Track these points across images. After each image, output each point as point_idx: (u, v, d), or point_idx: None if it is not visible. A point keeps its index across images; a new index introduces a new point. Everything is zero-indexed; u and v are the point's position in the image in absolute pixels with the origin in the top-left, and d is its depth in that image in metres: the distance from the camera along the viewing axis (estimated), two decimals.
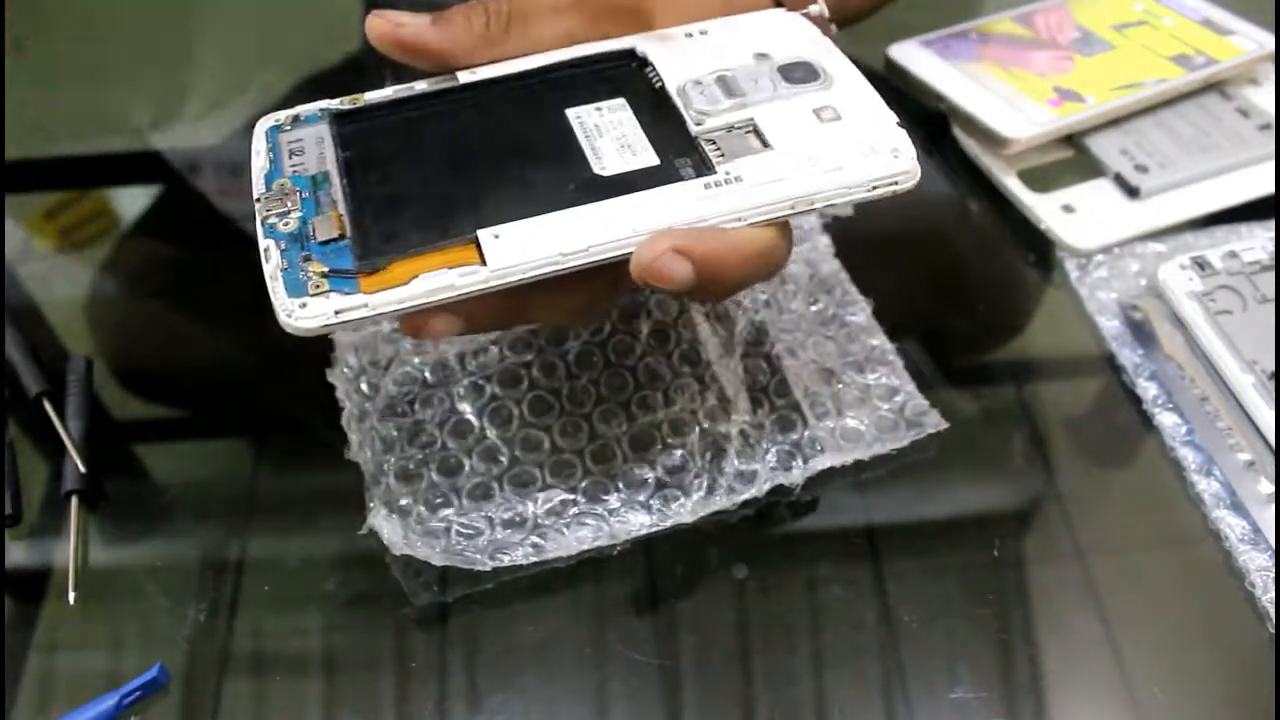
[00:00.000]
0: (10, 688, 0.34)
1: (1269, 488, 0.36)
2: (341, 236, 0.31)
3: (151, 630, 0.35)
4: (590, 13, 0.36)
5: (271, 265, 0.30)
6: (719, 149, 0.33)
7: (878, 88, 0.35)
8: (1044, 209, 0.46)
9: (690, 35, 0.37)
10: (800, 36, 0.37)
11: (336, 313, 0.29)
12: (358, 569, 0.36)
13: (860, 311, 0.42)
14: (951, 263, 0.47)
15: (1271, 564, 0.34)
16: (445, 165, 0.33)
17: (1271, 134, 0.48)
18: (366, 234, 0.31)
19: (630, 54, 0.36)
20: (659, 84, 0.35)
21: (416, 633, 0.34)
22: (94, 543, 0.37)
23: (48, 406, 0.39)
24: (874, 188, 0.32)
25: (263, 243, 0.31)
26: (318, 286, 0.30)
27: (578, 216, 0.31)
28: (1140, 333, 0.41)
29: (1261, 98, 0.50)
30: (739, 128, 0.34)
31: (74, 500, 0.37)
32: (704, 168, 0.33)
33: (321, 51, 0.58)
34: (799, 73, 0.35)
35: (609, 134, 0.34)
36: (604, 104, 0.35)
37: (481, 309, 0.31)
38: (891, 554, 0.36)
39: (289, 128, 0.34)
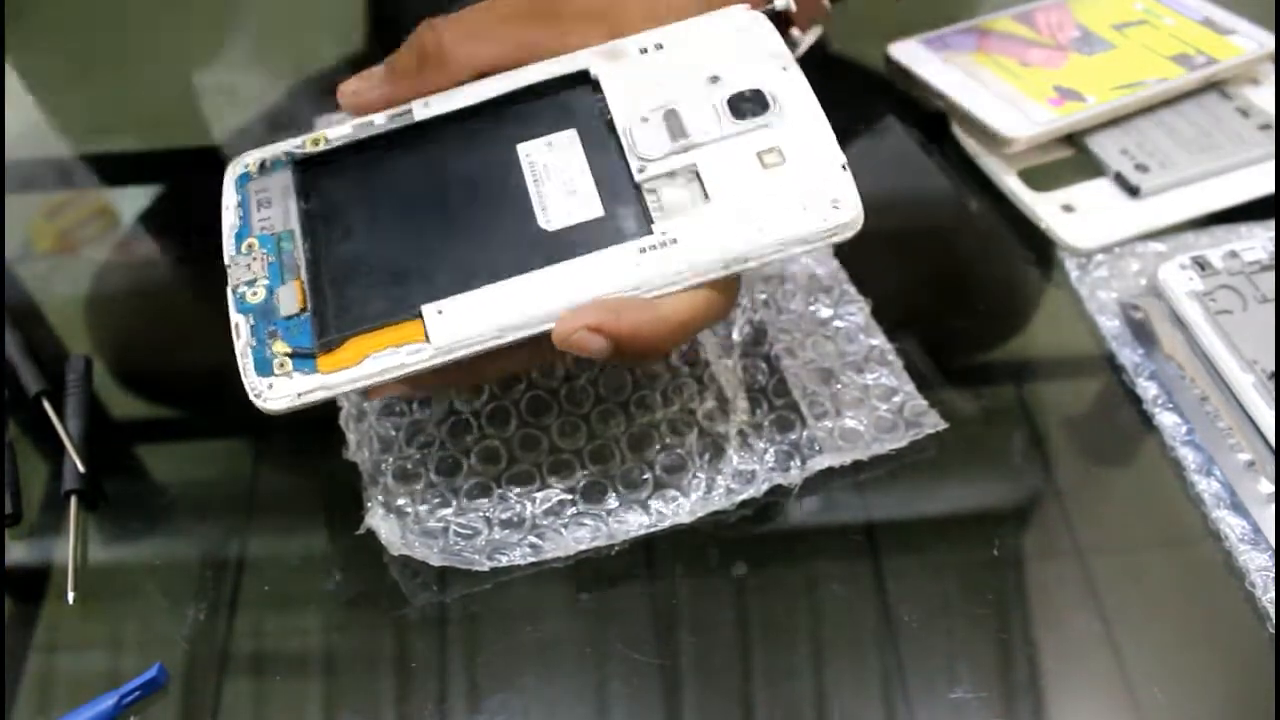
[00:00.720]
0: (10, 688, 0.34)
1: (1269, 488, 0.36)
2: (303, 310, 0.32)
3: (151, 630, 0.35)
4: (547, 19, 0.36)
5: (241, 343, 0.32)
6: (659, 201, 0.33)
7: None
8: (1044, 208, 0.46)
9: (645, 51, 0.36)
10: (761, 45, 0.35)
11: (299, 394, 0.31)
12: (357, 569, 0.36)
13: (859, 311, 0.42)
14: (951, 263, 0.47)
15: (1271, 564, 0.34)
16: (398, 218, 0.34)
17: (1271, 134, 0.48)
18: (324, 307, 0.32)
19: (584, 76, 0.35)
20: (608, 116, 0.35)
21: (416, 633, 0.34)
22: (94, 543, 0.37)
23: (47, 406, 0.39)
24: (810, 243, 0.32)
25: (233, 318, 0.33)
26: (282, 366, 0.32)
27: (518, 287, 0.32)
28: (1140, 332, 0.41)
29: (1261, 97, 0.50)
30: (681, 174, 0.33)
31: (74, 500, 0.37)
32: (643, 222, 0.33)
33: (321, 53, 0.58)
34: (749, 104, 0.34)
35: (556, 177, 0.34)
36: (554, 137, 0.35)
37: (427, 376, 0.32)
38: (891, 553, 0.36)
39: (257, 175, 0.35)
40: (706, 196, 0.33)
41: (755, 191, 0.33)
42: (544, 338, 0.32)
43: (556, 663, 0.33)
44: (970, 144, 0.49)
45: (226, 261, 0.34)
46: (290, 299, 0.32)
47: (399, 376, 0.31)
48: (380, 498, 0.37)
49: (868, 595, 0.35)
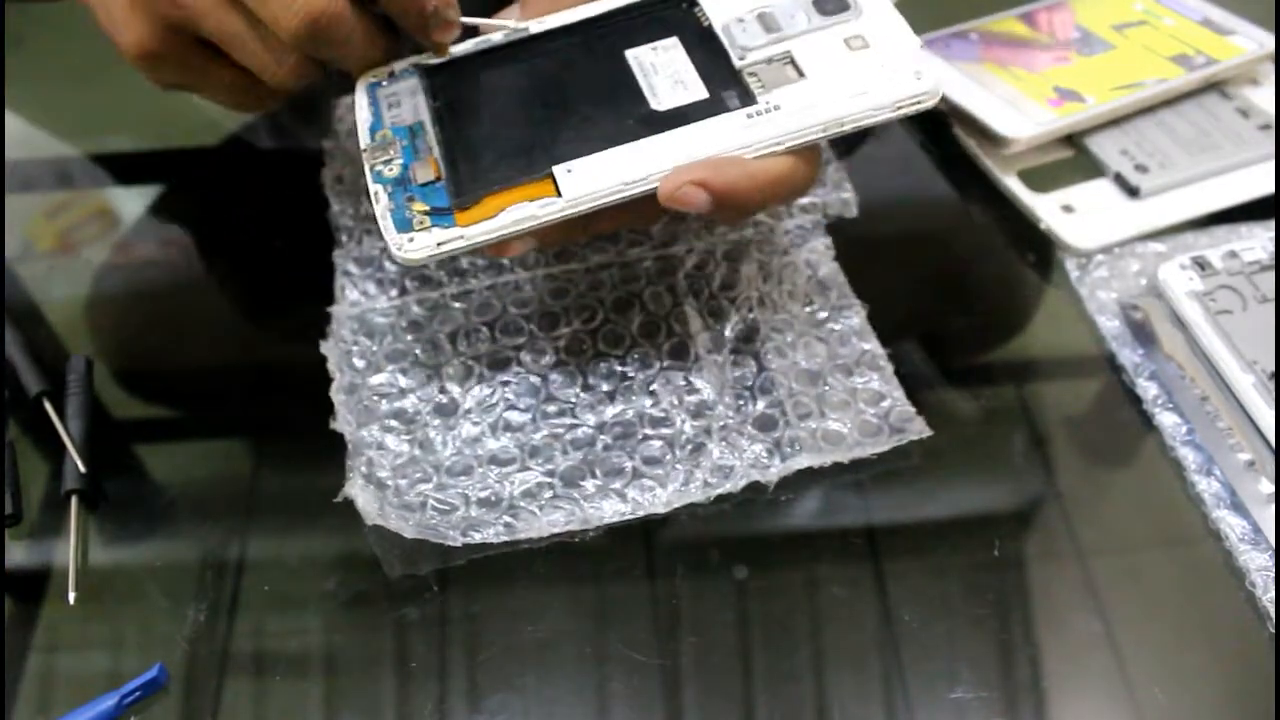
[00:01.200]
0: (10, 688, 0.34)
1: (1269, 488, 0.36)
2: (438, 179, 0.36)
3: (151, 630, 0.35)
4: None
5: (381, 207, 0.36)
6: (760, 80, 0.37)
7: None
8: (1044, 209, 0.46)
9: None
10: None
11: (439, 244, 0.35)
12: (358, 569, 0.36)
13: (855, 315, 0.42)
14: (951, 263, 0.47)
15: (1271, 564, 0.34)
16: (522, 109, 0.38)
17: (1271, 134, 0.48)
18: (459, 175, 0.36)
19: None
20: (706, 23, 0.39)
21: (416, 632, 0.34)
22: (94, 543, 0.37)
23: (48, 406, 0.39)
24: (899, 108, 0.36)
25: (371, 187, 0.36)
26: (421, 223, 0.35)
27: (637, 150, 0.35)
28: (1140, 333, 0.41)
29: (1261, 98, 0.50)
30: (777, 60, 0.37)
31: (74, 500, 0.37)
32: (747, 98, 0.36)
33: None
34: (831, 5, 0.39)
35: (663, 71, 0.38)
36: (659, 43, 0.39)
37: (553, 230, 0.35)
38: (892, 554, 0.36)
39: (386, 83, 0.39)
40: (802, 74, 0.37)
41: (845, 68, 0.37)
42: (654, 198, 0.35)
43: (556, 663, 0.34)
44: (970, 144, 0.49)
45: (362, 147, 0.37)
46: (425, 170, 0.36)
47: (531, 228, 0.35)
48: (362, 469, 0.37)
49: (868, 596, 0.35)
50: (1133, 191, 0.47)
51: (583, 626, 0.34)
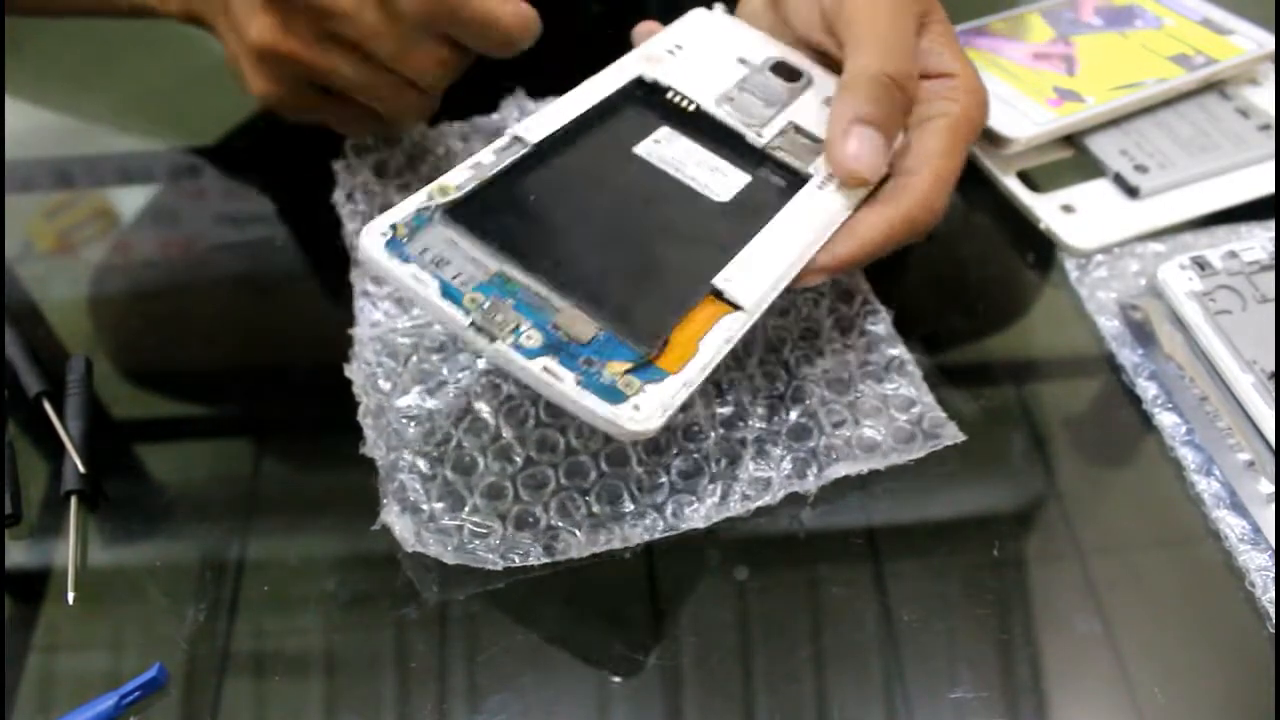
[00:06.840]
0: (10, 688, 0.34)
1: (1269, 488, 0.36)
2: (600, 331, 0.31)
3: (151, 630, 0.35)
4: None
5: (568, 383, 0.30)
6: (787, 154, 0.38)
7: None
8: (1044, 209, 0.46)
9: (672, 52, 0.40)
10: (737, 32, 0.42)
11: (671, 398, 0.30)
12: (358, 569, 0.36)
13: (880, 321, 0.41)
14: (951, 263, 0.47)
15: (1271, 564, 0.34)
16: (593, 230, 0.34)
17: (1271, 134, 0.48)
18: (613, 320, 0.31)
19: (640, 81, 0.39)
20: (691, 106, 0.39)
21: (416, 633, 0.34)
22: (94, 543, 0.37)
23: (47, 406, 0.39)
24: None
25: (534, 364, 0.30)
26: (629, 385, 0.30)
27: (763, 245, 0.34)
28: (1140, 333, 0.41)
29: (1261, 98, 0.50)
30: (788, 130, 0.38)
31: (74, 500, 0.37)
32: (791, 172, 0.37)
33: None
34: (784, 70, 0.40)
35: (689, 161, 0.37)
36: (656, 133, 0.38)
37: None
38: (892, 554, 0.36)
39: (406, 239, 0.32)
40: (817, 140, 0.38)
41: None
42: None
43: (556, 663, 0.33)
44: None
45: (460, 324, 0.31)
46: (581, 324, 0.31)
47: (731, 346, 0.32)
48: (396, 494, 0.37)
49: (869, 597, 0.35)
50: (1132, 192, 0.47)
51: (583, 626, 0.34)
